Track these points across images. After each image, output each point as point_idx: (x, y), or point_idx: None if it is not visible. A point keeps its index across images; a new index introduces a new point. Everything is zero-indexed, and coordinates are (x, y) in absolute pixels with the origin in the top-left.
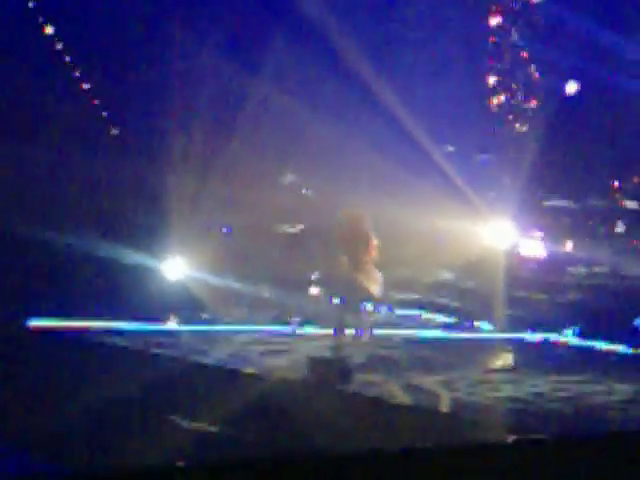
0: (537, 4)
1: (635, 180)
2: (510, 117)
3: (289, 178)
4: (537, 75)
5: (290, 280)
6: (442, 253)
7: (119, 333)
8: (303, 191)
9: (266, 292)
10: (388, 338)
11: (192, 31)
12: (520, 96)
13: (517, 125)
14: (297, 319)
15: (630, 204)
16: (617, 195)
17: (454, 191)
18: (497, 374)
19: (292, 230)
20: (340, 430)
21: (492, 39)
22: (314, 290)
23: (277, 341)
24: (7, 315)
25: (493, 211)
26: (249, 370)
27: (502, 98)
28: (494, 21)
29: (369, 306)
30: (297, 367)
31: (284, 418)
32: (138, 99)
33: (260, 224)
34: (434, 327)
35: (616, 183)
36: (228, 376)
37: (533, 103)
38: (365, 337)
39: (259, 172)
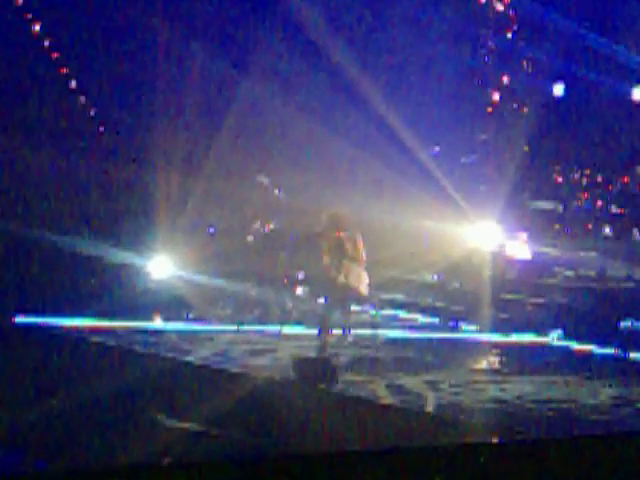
0: (524, 7)
1: (620, 183)
2: (497, 119)
3: (263, 179)
4: (525, 77)
5: (274, 279)
6: (428, 254)
7: (105, 331)
8: (276, 192)
9: (251, 291)
10: (373, 338)
11: (179, 30)
12: (507, 98)
13: (504, 127)
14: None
15: (615, 207)
16: (603, 198)
17: (440, 192)
18: (481, 375)
19: (272, 230)
20: (324, 430)
21: (481, 41)
22: (299, 290)
23: (262, 340)
24: None
25: (479, 212)
26: (234, 369)
27: (489, 100)
28: (482, 23)
29: (354, 306)
30: (282, 367)
31: (268, 417)
32: (125, 98)
33: (242, 224)
34: (419, 328)
35: (604, 186)
36: (213, 375)
37: (520, 105)
38: (349, 337)
39: (241, 173)
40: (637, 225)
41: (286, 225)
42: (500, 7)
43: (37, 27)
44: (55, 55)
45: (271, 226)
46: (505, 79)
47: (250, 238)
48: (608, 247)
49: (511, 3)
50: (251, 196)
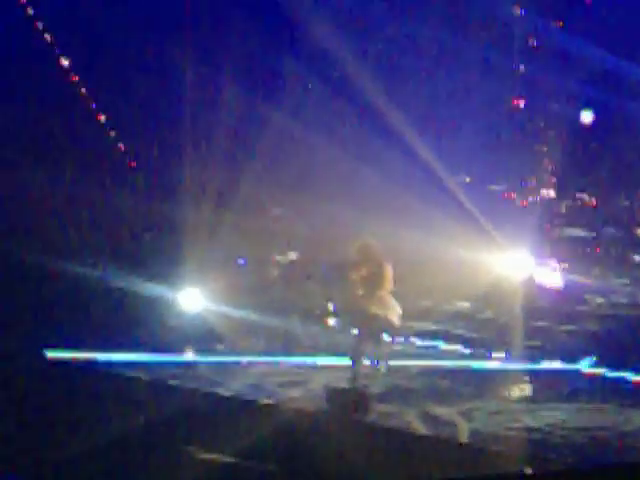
0: (552, 35)
1: None
2: (526, 147)
3: (282, 209)
4: (553, 104)
5: (307, 310)
6: (459, 283)
7: (136, 364)
8: (300, 222)
9: (283, 323)
10: (406, 368)
11: (207, 64)
12: (537, 126)
13: (533, 155)
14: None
15: None
16: (633, 224)
17: (471, 221)
18: (515, 404)
19: (292, 261)
20: (357, 461)
21: (511, 68)
22: (331, 320)
23: (294, 372)
24: (24, 345)
25: (510, 240)
26: (266, 401)
27: (518, 127)
28: (512, 51)
29: (386, 336)
30: (314, 398)
31: (301, 448)
32: (154, 131)
33: (269, 256)
34: (452, 357)
35: (634, 213)
36: (245, 407)
37: (549, 132)
38: (382, 368)
39: (266, 204)
40: None
41: (310, 255)
42: (528, 36)
43: (66, 62)
44: (84, 90)
45: (292, 257)
46: (533, 107)
47: (275, 270)
48: (639, 273)
49: (539, 31)
50: (276, 227)
